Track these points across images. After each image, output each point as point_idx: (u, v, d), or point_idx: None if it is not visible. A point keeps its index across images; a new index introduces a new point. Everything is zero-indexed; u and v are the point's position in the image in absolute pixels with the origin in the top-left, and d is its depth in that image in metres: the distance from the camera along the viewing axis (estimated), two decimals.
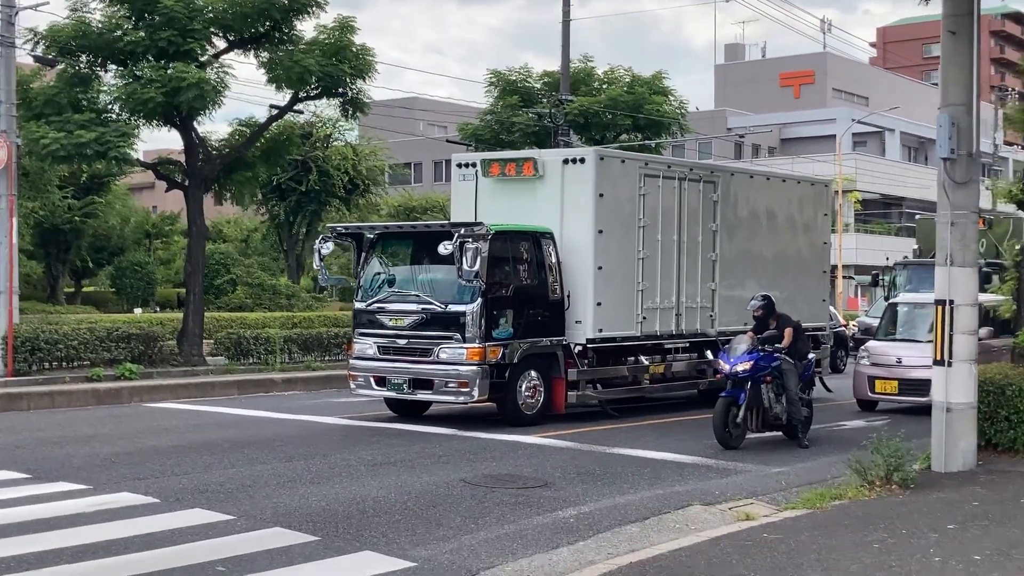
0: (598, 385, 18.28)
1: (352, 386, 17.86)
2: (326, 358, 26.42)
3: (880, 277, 30.05)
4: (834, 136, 67.56)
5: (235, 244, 52.53)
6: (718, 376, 16.19)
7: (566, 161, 18.09)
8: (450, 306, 16.77)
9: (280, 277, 44.15)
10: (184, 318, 25.54)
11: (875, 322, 32.18)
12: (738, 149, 69.42)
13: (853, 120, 65.01)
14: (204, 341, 25.60)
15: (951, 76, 12.93)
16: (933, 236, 28.98)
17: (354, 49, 24.88)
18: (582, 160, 17.95)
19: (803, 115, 72.29)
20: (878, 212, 69.63)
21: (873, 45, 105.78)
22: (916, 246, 30.62)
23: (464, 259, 16.00)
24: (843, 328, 30.06)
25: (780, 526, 10.04)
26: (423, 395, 17.13)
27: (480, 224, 16.62)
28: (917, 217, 33.35)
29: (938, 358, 12.84)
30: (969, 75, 12.82)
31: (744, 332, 16.33)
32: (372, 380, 17.45)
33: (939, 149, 12.88)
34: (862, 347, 20.76)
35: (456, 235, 16.24)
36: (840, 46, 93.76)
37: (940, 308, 12.82)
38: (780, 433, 16.05)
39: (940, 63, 13.10)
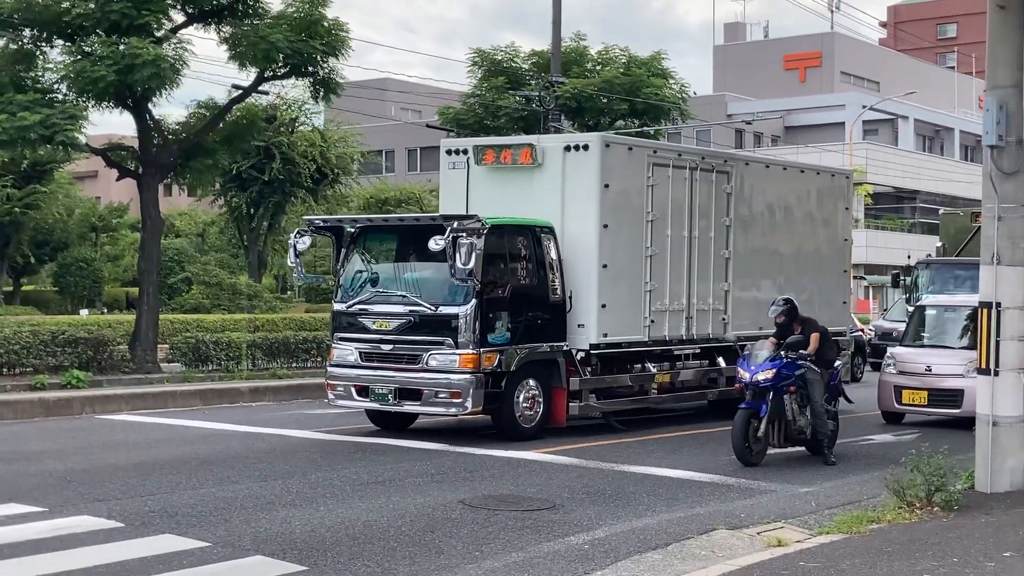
0: (601, 395, 18.10)
1: (331, 396, 17.63)
2: (293, 365, 26.32)
3: (901, 277, 29.98)
4: (843, 124, 67.75)
5: (190, 239, 52.30)
6: (737, 386, 16.03)
7: (568, 148, 17.91)
8: (441, 308, 16.56)
9: (240, 275, 43.90)
10: (137, 320, 25.34)
11: (893, 326, 32.21)
12: (739, 137, 69.44)
13: (864, 107, 65.13)
14: (158, 346, 25.33)
15: (999, 55, 12.77)
16: (958, 233, 29.29)
17: (326, 24, 24.71)
18: (585, 147, 17.77)
19: (809, 101, 72.35)
20: (890, 207, 69.76)
21: (883, 25, 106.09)
22: (940, 243, 30.52)
23: (458, 256, 15.76)
24: (860, 333, 29.96)
25: (817, 553, 9.87)
26: (410, 407, 16.92)
27: (475, 217, 16.39)
28: (941, 212, 33.30)
29: (983, 366, 12.70)
30: (1019, 54, 12.65)
31: (759, 337, 16.15)
32: (353, 390, 17.22)
33: (986, 136, 12.73)
34: (887, 353, 20.66)
35: (449, 229, 16.00)
36: (849, 25, 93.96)
37: (986, 311, 12.67)
38: (803, 448, 15.93)
39: (987, 41, 12.93)
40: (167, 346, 26.17)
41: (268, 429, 17.97)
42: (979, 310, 12.83)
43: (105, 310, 40.59)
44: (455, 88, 42.65)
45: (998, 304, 12.58)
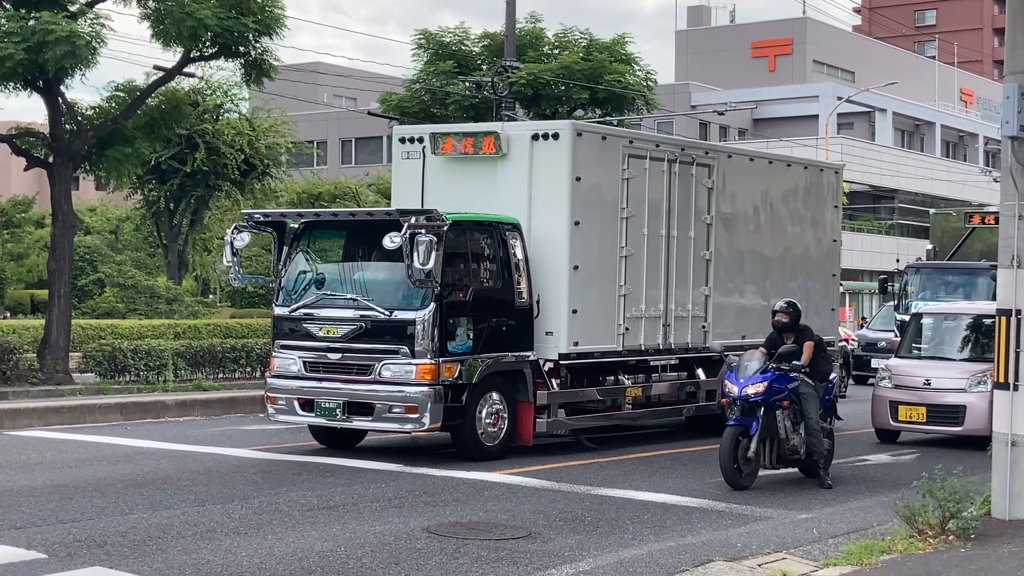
0: (570, 410, 17.88)
1: (271, 410, 17.28)
2: (220, 375, 25.97)
3: (889, 283, 30.08)
4: (816, 116, 68.21)
5: (103, 237, 51.62)
6: (723, 400, 15.84)
7: (536, 136, 17.68)
8: (396, 313, 16.24)
9: (158, 277, 43.43)
10: (46, 326, 25.01)
11: (878, 336, 32.36)
12: (704, 130, 69.59)
13: (839, 98, 65.48)
14: (70, 354, 24.91)
15: (1020, 38, 12.66)
16: (951, 234, 29.41)
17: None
18: (555, 135, 17.55)
19: (779, 91, 72.71)
20: (866, 206, 70.22)
21: (857, 11, 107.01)
22: (930, 246, 30.69)
23: (415, 255, 15.46)
24: (845, 342, 29.99)
25: None
26: (360, 422, 16.60)
27: (434, 212, 16.10)
28: (932, 212, 33.49)
29: (1001, 380, 12.58)
30: None
31: (742, 346, 15.97)
32: (296, 403, 16.88)
33: (1004, 126, 12.59)
34: (882, 366, 20.60)
35: (405, 225, 15.69)
36: (822, 9, 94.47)
37: (1004, 320, 12.56)
38: (795, 470, 15.80)
39: (1007, 22, 12.84)
40: (79, 354, 25.77)
41: (200, 447, 17.65)
42: (996, 318, 12.71)
43: (8, 314, 40.00)
44: (394, 73, 42.25)
45: (1018, 311, 12.45)
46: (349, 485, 14.46)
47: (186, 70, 26.65)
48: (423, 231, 15.62)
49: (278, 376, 17.18)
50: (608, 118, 34.28)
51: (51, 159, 25.03)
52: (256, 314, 40.00)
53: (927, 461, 16.67)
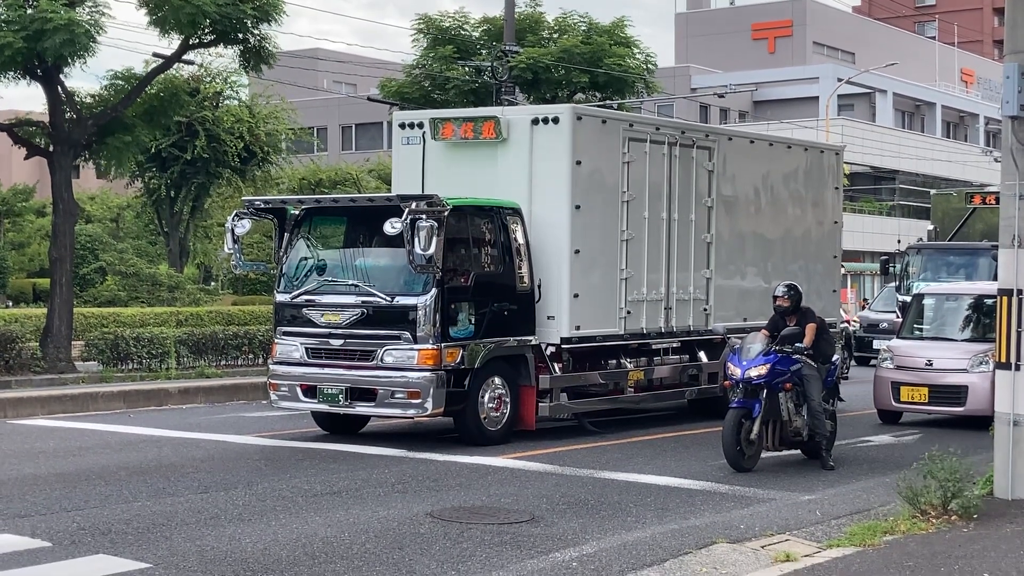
0: (573, 394, 17.90)
1: (273, 397, 17.31)
2: (222, 363, 25.98)
3: (891, 264, 30.08)
4: (816, 98, 68.15)
5: (104, 225, 51.62)
6: (727, 383, 15.87)
7: (536, 121, 17.67)
8: (397, 298, 16.26)
9: (160, 265, 43.42)
10: (48, 314, 25.02)
11: (880, 317, 32.39)
12: (704, 113, 69.52)
13: (839, 80, 65.39)
14: (72, 342, 24.92)
15: (1020, 18, 12.64)
16: (952, 215, 29.43)
17: None
18: (555, 120, 17.54)
19: (780, 73, 72.59)
20: (867, 188, 70.15)
21: None
22: (931, 227, 30.69)
23: (416, 240, 15.48)
24: (846, 324, 30.00)
25: (830, 569, 9.74)
26: (363, 408, 16.63)
27: (435, 197, 16.10)
28: (933, 193, 33.46)
29: (1003, 360, 12.58)
30: None
31: (744, 329, 15.97)
32: (299, 390, 16.90)
33: (1005, 106, 12.58)
34: (884, 347, 20.61)
35: (406, 210, 15.70)
36: None
37: (1006, 299, 12.56)
38: (798, 451, 15.82)
39: (1007, 1, 12.82)
40: (81, 343, 25.76)
41: (203, 434, 17.68)
42: (998, 298, 12.71)
43: (10, 303, 40.02)
44: (393, 58, 42.20)
45: (1020, 291, 12.46)
46: (352, 471, 14.49)
47: (185, 57, 26.58)
48: (424, 216, 15.63)
49: (280, 363, 17.19)
50: (608, 102, 34.27)
51: (51, 148, 25.03)
52: (258, 301, 39.99)
53: (929, 442, 16.68)
